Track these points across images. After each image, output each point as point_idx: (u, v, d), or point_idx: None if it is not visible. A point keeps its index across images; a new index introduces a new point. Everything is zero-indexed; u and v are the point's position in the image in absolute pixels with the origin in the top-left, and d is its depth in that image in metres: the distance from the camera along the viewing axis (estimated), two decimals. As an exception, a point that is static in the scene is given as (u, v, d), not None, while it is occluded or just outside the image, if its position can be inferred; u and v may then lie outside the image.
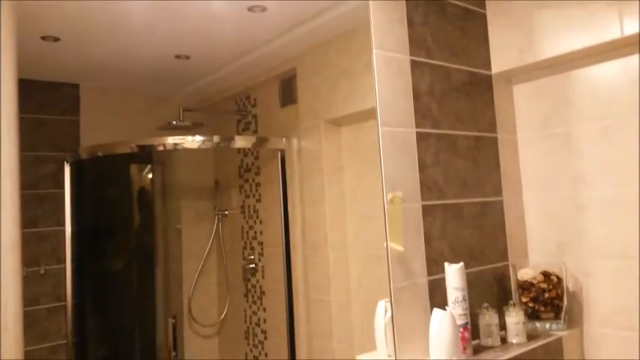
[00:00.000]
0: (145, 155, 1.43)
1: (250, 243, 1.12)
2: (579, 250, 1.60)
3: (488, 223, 1.60)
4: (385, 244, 1.30)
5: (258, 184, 1.18)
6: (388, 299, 1.31)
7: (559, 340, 1.51)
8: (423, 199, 1.40)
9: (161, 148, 1.47)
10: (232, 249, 1.10)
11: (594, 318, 1.56)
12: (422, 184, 1.41)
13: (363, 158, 1.42)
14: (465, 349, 1.29)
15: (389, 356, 1.29)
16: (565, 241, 1.63)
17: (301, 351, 1.13)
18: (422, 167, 1.41)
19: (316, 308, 1.19)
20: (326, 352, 1.17)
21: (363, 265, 1.30)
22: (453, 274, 1.33)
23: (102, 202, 1.33)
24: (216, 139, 1.48)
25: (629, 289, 1.49)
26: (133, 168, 1.50)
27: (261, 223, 1.14)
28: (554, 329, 1.55)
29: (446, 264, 1.35)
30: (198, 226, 1.26)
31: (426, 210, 1.41)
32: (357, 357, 1.26)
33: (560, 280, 1.57)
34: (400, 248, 1.31)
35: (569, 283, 1.61)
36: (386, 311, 1.31)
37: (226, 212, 1.15)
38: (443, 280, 1.38)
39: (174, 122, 1.66)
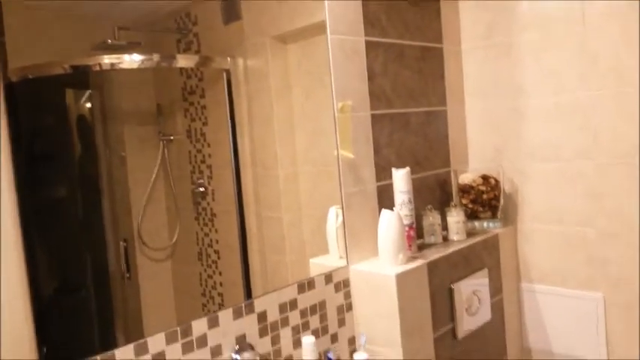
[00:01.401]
0: (81, 78, 1.36)
1: (199, 167, 1.12)
2: (516, 154, 1.71)
3: (432, 132, 1.67)
4: (336, 153, 1.34)
5: (203, 107, 1.15)
6: (339, 205, 1.37)
7: (495, 237, 1.64)
8: (372, 108, 1.44)
9: (97, 68, 1.40)
10: (180, 174, 1.09)
11: (527, 215, 1.70)
12: (371, 93, 1.43)
13: (312, 76, 1.41)
14: (410, 246, 1.39)
15: (340, 258, 1.37)
16: (503, 146, 1.73)
17: (255, 267, 1.17)
18: (371, 77, 1.43)
19: (268, 225, 1.23)
20: (279, 265, 1.23)
21: (313, 182, 1.34)
22: (400, 178, 1.40)
23: (39, 129, 1.28)
24: (156, 57, 1.42)
25: (559, 188, 1.62)
26: (69, 92, 1.43)
27: (209, 146, 1.13)
28: (491, 227, 1.68)
29: (393, 169, 1.42)
30: (143, 153, 1.24)
31: (375, 119, 1.45)
32: (311, 260, 1.32)
33: (497, 182, 1.68)
34: (350, 155, 1.35)
35: (505, 185, 1.73)
36: (337, 216, 1.38)
37: (172, 137, 1.13)
38: (390, 185, 1.45)
39: (109, 41, 1.57)
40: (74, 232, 1.12)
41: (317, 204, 1.35)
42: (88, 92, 1.43)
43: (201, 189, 1.11)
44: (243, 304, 1.10)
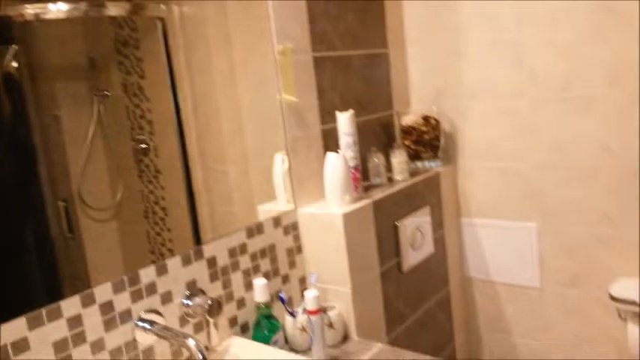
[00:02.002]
0: (4, 32, 1.27)
1: (138, 123, 1.07)
2: (456, 95, 1.75)
3: (375, 75, 1.68)
4: (279, 97, 1.33)
5: (139, 59, 1.10)
6: (284, 151, 1.37)
7: (437, 175, 1.71)
8: (313, 50, 1.42)
9: (20, 19, 1.31)
10: (119, 131, 1.05)
11: (467, 153, 1.77)
12: (312, 36, 1.42)
13: (252, 21, 1.37)
14: (356, 187, 1.43)
15: (288, 202, 1.39)
16: (443, 88, 1.78)
17: (204, 220, 1.17)
18: (312, 18, 1.41)
19: (215, 179, 1.22)
20: (228, 216, 1.23)
21: (258, 133, 1.33)
22: (344, 121, 1.42)
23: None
24: (83, 6, 1.34)
25: (496, 126, 1.69)
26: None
27: (147, 100, 1.09)
28: (432, 166, 1.75)
29: (337, 113, 1.43)
30: (78, 110, 1.18)
31: (317, 62, 1.44)
32: (259, 207, 1.34)
33: (438, 122, 1.73)
34: (293, 99, 1.35)
35: (445, 125, 1.79)
36: (283, 162, 1.39)
37: (107, 93, 1.08)
38: (335, 129, 1.46)
39: (32, -12, 1.46)
40: (9, 197, 1.08)
41: (263, 154, 1.35)
42: (13, 48, 1.34)
43: (143, 145, 1.08)
44: (191, 251, 1.11)
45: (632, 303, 1.42)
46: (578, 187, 1.57)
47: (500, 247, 1.77)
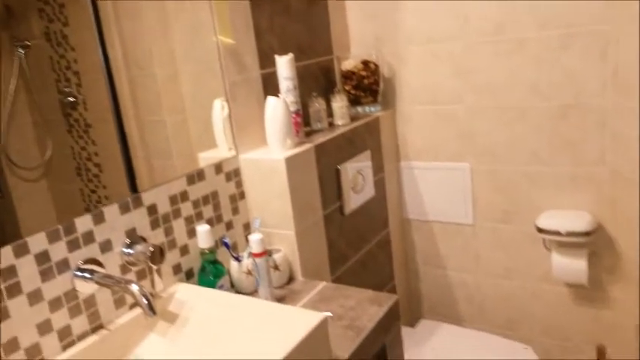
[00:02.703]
0: None
1: (64, 74, 1.00)
2: (394, 40, 1.76)
3: (314, 19, 1.65)
4: (215, 40, 1.28)
5: (61, 5, 1.01)
6: (224, 97, 1.34)
7: (377, 119, 1.73)
8: (249, -10, 1.37)
9: None
10: (44, 83, 0.97)
11: (405, 98, 1.80)
12: (246, -26, 1.36)
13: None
14: (298, 132, 1.42)
15: (229, 149, 1.37)
16: (382, 32, 1.77)
17: (141, 175, 1.13)
18: (244, -44, 1.35)
19: (151, 130, 1.17)
20: (167, 169, 1.19)
21: (195, 80, 1.28)
22: (284, 64, 1.39)
23: None
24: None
25: (432, 68, 1.72)
26: None
27: (73, 50, 1.01)
28: (372, 111, 1.77)
29: (276, 56, 1.40)
30: None
31: (255, 3, 1.39)
32: (199, 155, 1.31)
33: (377, 67, 1.74)
34: (230, 41, 1.30)
35: (385, 70, 1.80)
36: (222, 108, 1.35)
37: (28, 42, 0.99)
38: (275, 73, 1.43)
39: None
40: None
41: (202, 102, 1.30)
42: None
43: (71, 98, 1.01)
44: (129, 199, 1.08)
45: (556, 233, 1.54)
46: (508, 127, 1.64)
47: (436, 188, 1.84)
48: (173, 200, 1.18)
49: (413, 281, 2.00)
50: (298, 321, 0.94)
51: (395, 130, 1.84)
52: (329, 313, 1.16)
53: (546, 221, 1.57)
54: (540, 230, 1.57)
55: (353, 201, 1.59)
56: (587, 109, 1.51)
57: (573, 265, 1.56)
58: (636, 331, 1.51)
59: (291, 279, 1.37)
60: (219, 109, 1.35)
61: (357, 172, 1.61)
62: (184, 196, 1.21)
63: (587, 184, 1.56)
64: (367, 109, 1.76)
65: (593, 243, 1.57)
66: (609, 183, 1.53)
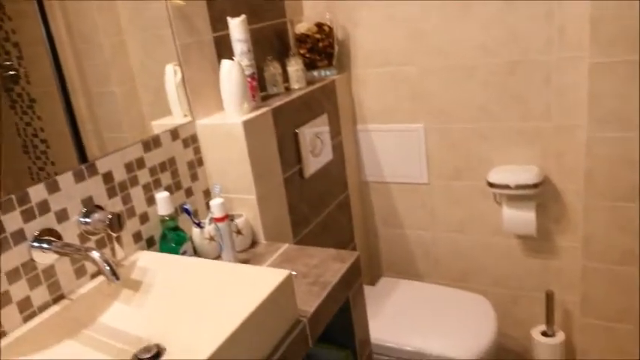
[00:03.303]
0: None
1: (3, 46, 0.94)
2: (347, 2, 1.75)
3: (264, -20, 1.62)
4: (164, 2, 1.24)
5: None
6: (176, 62, 1.30)
7: (332, 83, 1.74)
8: (195, -51, 1.33)
9: None
10: None
11: (359, 61, 1.81)
12: None
13: None
14: (254, 96, 1.41)
15: (185, 116, 1.34)
16: (334, -6, 1.77)
17: (92, 148, 1.09)
18: None
19: (100, 102, 1.13)
20: (120, 142, 1.16)
21: (144, 49, 1.24)
22: (236, 27, 1.37)
23: None
24: None
25: (385, 31, 1.73)
26: None
27: (10, 19, 0.95)
28: (328, 75, 1.77)
29: (229, 18, 1.37)
30: None
31: (201, -37, 1.35)
32: (153, 122, 1.28)
33: (331, 29, 1.73)
34: (180, 2, 1.27)
35: (338, 33, 1.79)
36: (175, 73, 1.32)
37: None
38: (228, 36, 1.41)
39: None
40: None
41: (152, 70, 1.26)
42: None
43: (11, 72, 0.96)
44: (84, 166, 1.05)
45: (506, 187, 1.61)
46: (459, 86, 1.69)
47: (392, 149, 1.88)
48: (129, 167, 1.15)
49: (372, 241, 2.06)
50: (263, 279, 0.96)
51: (351, 93, 1.86)
52: (293, 272, 1.18)
53: (496, 176, 1.64)
54: (491, 185, 1.64)
55: (312, 164, 1.60)
56: (533, 66, 1.56)
57: (522, 217, 1.65)
58: (580, 276, 1.62)
59: (254, 243, 1.38)
60: (171, 75, 1.31)
61: (315, 135, 1.62)
62: (140, 163, 1.19)
63: (534, 138, 1.63)
64: (323, 72, 1.76)
65: (541, 195, 1.66)
66: (555, 137, 1.60)
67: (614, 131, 1.41)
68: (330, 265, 1.21)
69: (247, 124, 1.30)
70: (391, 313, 1.68)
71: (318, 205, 1.68)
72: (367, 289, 1.83)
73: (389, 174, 1.92)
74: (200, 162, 1.36)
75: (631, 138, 1.39)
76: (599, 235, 1.53)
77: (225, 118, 1.34)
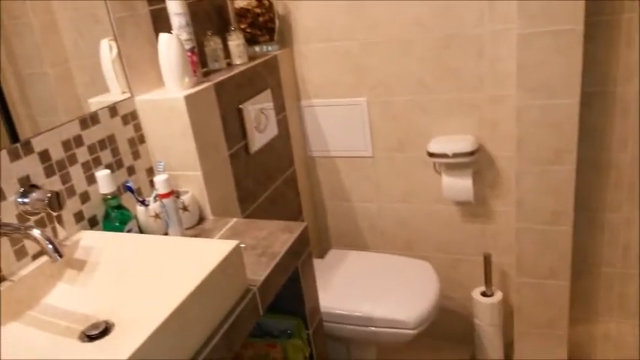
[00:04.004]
0: None
1: None
2: (286, -24, 1.75)
3: (201, -48, 1.59)
4: (94, -27, 1.20)
5: None
6: (111, 37, 1.26)
7: (275, 58, 1.74)
8: None
9: None
10: None
11: (301, 36, 1.82)
12: None
13: None
14: (195, 71, 1.39)
15: (123, 92, 1.31)
16: (273, -32, 1.75)
17: (25, 132, 1.04)
18: None
19: (32, 84, 1.08)
20: (53, 125, 1.11)
21: (77, 30, 1.19)
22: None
23: None
24: None
25: (326, 5, 1.74)
26: None
27: None
28: (270, 50, 1.76)
29: (164, -9, 1.34)
30: None
31: None
32: (90, 100, 1.24)
33: (271, 4, 1.72)
34: (112, -26, 1.23)
35: (279, 8, 1.79)
36: (111, 49, 1.28)
37: None
38: (165, 9, 1.38)
39: None
40: None
41: (88, 51, 1.22)
42: None
43: None
44: (19, 145, 1.01)
45: (444, 156, 1.68)
46: (397, 60, 1.73)
47: (336, 124, 1.91)
48: (66, 146, 1.12)
49: (320, 215, 2.09)
50: (211, 251, 0.97)
51: (294, 68, 1.86)
52: (242, 244, 1.20)
53: (435, 146, 1.71)
54: (431, 155, 1.71)
55: (257, 140, 1.61)
56: (466, 39, 1.63)
57: (460, 185, 1.73)
58: (514, 238, 1.73)
59: (201, 219, 1.38)
60: (107, 50, 1.28)
61: (259, 111, 1.62)
62: (78, 140, 1.15)
63: (469, 109, 1.71)
64: (265, 47, 1.76)
65: (477, 162, 1.75)
66: (488, 107, 1.68)
67: (540, 99, 1.50)
68: (278, 237, 1.23)
69: (189, 99, 1.28)
70: (340, 283, 1.74)
71: (265, 180, 1.69)
72: (316, 262, 1.87)
73: (334, 148, 1.95)
74: (142, 139, 1.34)
75: (556, 105, 1.49)
76: (530, 198, 1.63)
77: (165, 93, 1.32)
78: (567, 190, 1.57)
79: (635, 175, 1.59)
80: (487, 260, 1.81)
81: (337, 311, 1.61)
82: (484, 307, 1.83)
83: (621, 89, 1.52)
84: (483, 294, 1.85)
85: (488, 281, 1.83)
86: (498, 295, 1.84)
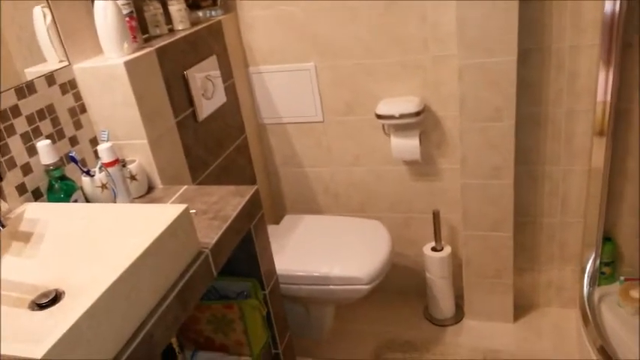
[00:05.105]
0: None
1: None
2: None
3: None
4: None
5: None
6: (44, 4, 1.21)
7: (219, 23, 1.71)
8: None
9: None
10: None
11: (245, 2, 1.79)
12: None
13: None
14: (135, 37, 1.36)
15: (61, 61, 1.27)
16: None
17: None
18: None
19: None
20: None
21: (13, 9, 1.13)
22: (107, -37, 1.29)
23: None
24: None
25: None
26: None
27: None
28: (214, 15, 1.73)
29: (97, -46, 1.29)
30: None
31: None
32: (26, 70, 1.20)
33: (212, -32, 1.69)
34: None
35: (221, -28, 1.75)
36: (45, 16, 1.23)
37: None
38: (99, -26, 1.33)
39: None
40: None
41: (21, 20, 1.16)
42: None
43: None
44: (-52, 116, 0.97)
45: (392, 117, 1.72)
46: (344, 26, 1.74)
47: (286, 90, 1.91)
48: (3, 116, 1.08)
49: (274, 182, 2.11)
50: (159, 216, 0.97)
51: (239, 34, 1.84)
52: (193, 210, 1.20)
53: (383, 108, 1.74)
54: (379, 117, 1.75)
55: (205, 107, 1.59)
56: (408, 4, 1.65)
57: (408, 145, 1.78)
58: (460, 194, 1.80)
59: (150, 188, 1.37)
60: (40, 18, 1.23)
61: (205, 78, 1.60)
62: (15, 111, 1.11)
63: (415, 71, 1.75)
64: (208, 13, 1.72)
65: (423, 123, 1.80)
66: (432, 68, 1.72)
67: (480, 57, 1.55)
68: (229, 201, 1.24)
69: (129, 65, 1.26)
70: (296, 246, 1.77)
71: (216, 148, 1.68)
72: (272, 228, 1.89)
73: (285, 115, 1.96)
74: (83, 109, 1.30)
75: (495, 63, 1.54)
76: (473, 155, 1.70)
77: (104, 60, 1.28)
78: (508, 145, 1.65)
79: (570, 129, 1.68)
80: (436, 217, 1.88)
81: (295, 273, 1.65)
82: (434, 262, 1.91)
83: (556, 45, 1.58)
84: (434, 249, 1.93)
85: (437, 237, 1.91)
86: (447, 250, 1.92)
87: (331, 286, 1.63)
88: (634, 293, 1.71)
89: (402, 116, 1.71)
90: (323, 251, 1.72)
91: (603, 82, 1.53)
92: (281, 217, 2.10)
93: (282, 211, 2.16)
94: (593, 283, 1.79)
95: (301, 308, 1.80)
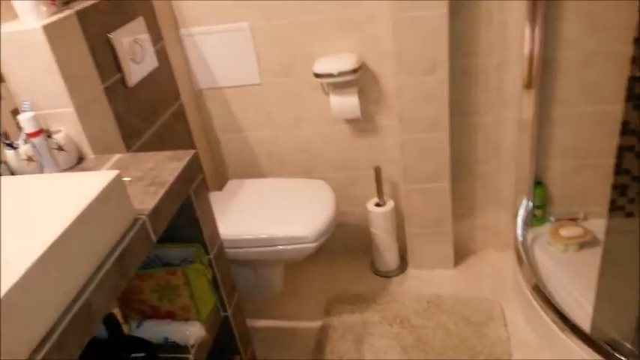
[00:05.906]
0: None
1: None
2: None
3: None
4: None
5: None
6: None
7: (144, -16, 1.63)
8: None
9: None
10: None
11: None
12: None
13: None
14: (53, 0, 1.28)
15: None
16: None
17: None
18: None
19: None
20: None
21: None
22: None
23: None
24: None
25: None
26: None
27: None
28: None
29: None
30: None
31: None
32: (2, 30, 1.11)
33: None
34: None
35: None
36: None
37: None
38: None
39: None
40: None
41: None
42: None
43: None
44: None
45: (330, 75, 1.72)
46: (276, -19, 1.70)
47: (221, 53, 1.86)
48: None
49: (215, 149, 2.08)
50: (89, 183, 0.93)
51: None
52: (127, 178, 1.17)
53: (320, 66, 1.74)
54: (317, 75, 1.74)
55: (135, 72, 1.53)
56: (340, -44, 1.63)
57: (348, 103, 1.79)
58: (399, 149, 1.84)
59: (81, 159, 1.31)
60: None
61: (133, 41, 1.53)
62: None
63: (350, 27, 1.74)
64: (131, -28, 1.63)
65: (361, 80, 1.81)
66: (368, 24, 1.72)
67: (413, 11, 1.56)
68: (166, 166, 1.21)
69: (49, 29, 1.18)
70: (241, 210, 1.77)
71: (150, 115, 1.63)
72: (215, 194, 1.88)
73: (221, 79, 1.91)
74: (0, 78, 1.22)
75: (427, 16, 1.56)
76: (410, 110, 1.73)
77: (20, 24, 1.20)
78: (442, 98, 1.69)
79: (500, 79, 1.74)
80: (377, 173, 1.92)
81: (240, 237, 1.65)
82: (378, 217, 1.96)
83: (484, -2, 1.62)
84: (377, 204, 1.98)
85: (380, 192, 1.96)
86: (390, 204, 1.97)
87: (278, 247, 1.65)
88: (563, 232, 1.83)
89: (340, 74, 1.71)
90: (268, 213, 1.73)
91: (529, 36, 1.59)
92: (225, 184, 2.08)
93: (225, 179, 2.13)
94: (526, 225, 1.90)
95: (250, 271, 1.81)
